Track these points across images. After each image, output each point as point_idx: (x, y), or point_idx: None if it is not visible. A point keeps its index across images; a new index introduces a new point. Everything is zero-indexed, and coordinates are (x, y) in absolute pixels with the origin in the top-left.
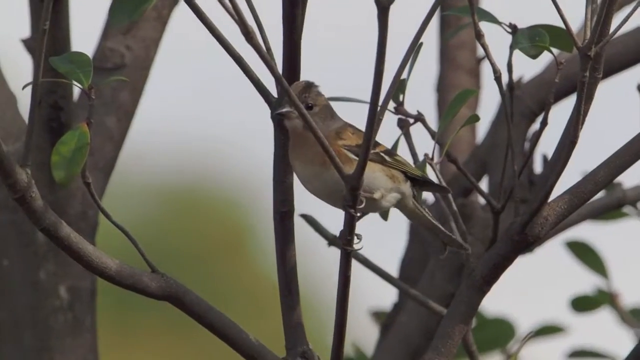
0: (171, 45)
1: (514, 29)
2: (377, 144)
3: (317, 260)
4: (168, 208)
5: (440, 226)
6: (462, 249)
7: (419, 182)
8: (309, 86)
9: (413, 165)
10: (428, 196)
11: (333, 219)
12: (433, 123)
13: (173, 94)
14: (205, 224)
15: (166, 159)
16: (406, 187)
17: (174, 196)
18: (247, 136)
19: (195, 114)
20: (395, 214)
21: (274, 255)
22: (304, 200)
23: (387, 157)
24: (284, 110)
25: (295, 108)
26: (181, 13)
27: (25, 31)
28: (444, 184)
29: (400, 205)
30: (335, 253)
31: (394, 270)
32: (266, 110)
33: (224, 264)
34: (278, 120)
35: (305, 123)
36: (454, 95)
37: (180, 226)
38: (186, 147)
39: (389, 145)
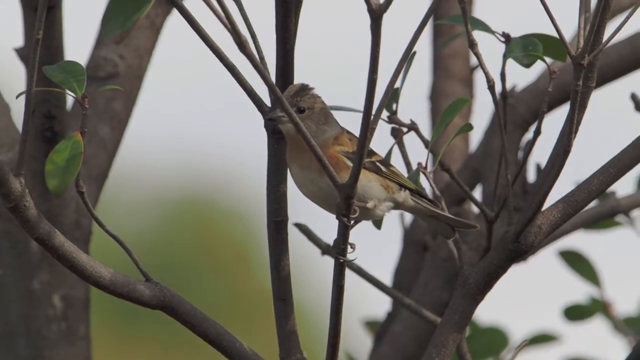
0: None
1: (507, 38)
2: (373, 153)
3: (311, 269)
4: (171, 219)
5: (443, 212)
6: (471, 228)
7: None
8: (303, 89)
9: (406, 176)
10: None
11: (327, 227)
12: (426, 132)
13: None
14: (207, 236)
15: (169, 170)
16: (400, 195)
17: (177, 208)
18: (248, 147)
19: (198, 126)
20: (388, 223)
21: None
22: (298, 209)
23: (382, 167)
24: (275, 115)
25: (285, 113)
26: (174, 22)
27: (19, 40)
28: (437, 192)
29: (400, 207)
30: (329, 262)
31: (387, 279)
32: (260, 120)
33: (226, 275)
34: (272, 126)
35: (296, 128)
36: (447, 104)
37: (182, 238)
38: (189, 158)
39: (383, 155)
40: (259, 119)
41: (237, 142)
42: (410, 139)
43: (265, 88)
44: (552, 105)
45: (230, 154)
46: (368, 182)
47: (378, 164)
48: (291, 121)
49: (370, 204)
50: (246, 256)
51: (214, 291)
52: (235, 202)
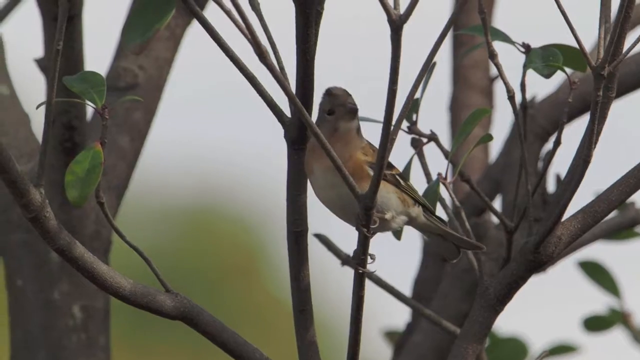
0: (185, 64)
1: (527, 49)
2: (392, 166)
3: (330, 279)
4: (180, 229)
5: (452, 231)
6: (477, 249)
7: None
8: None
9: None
10: (441, 215)
11: (346, 238)
12: (446, 142)
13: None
14: (217, 246)
15: (179, 180)
16: (414, 210)
17: (186, 218)
18: (259, 157)
19: (208, 136)
20: (408, 233)
21: (286, 276)
22: (318, 219)
23: (401, 181)
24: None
25: (305, 122)
26: (194, 32)
27: (39, 51)
28: (457, 203)
29: (411, 223)
30: (348, 272)
31: (407, 290)
32: (279, 130)
33: (235, 285)
34: (291, 139)
35: (315, 137)
36: (467, 114)
37: (192, 247)
38: (199, 169)
39: (401, 165)
40: (273, 129)
41: (247, 151)
42: (430, 149)
43: (285, 98)
44: (572, 115)
45: (239, 163)
46: (387, 193)
47: (397, 177)
48: (312, 132)
49: (388, 215)
50: (256, 266)
51: (225, 300)
52: (245, 211)
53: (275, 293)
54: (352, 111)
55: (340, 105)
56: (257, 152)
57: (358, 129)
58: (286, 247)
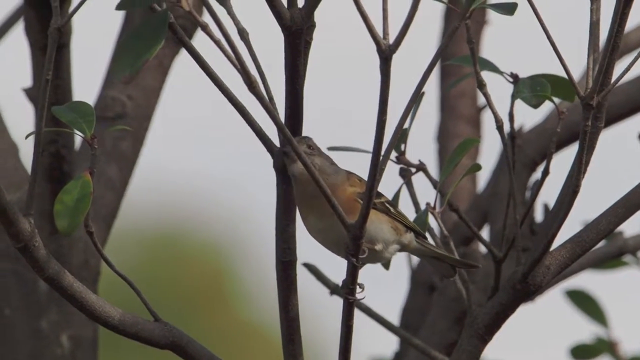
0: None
1: (515, 79)
2: (380, 195)
3: (319, 309)
4: (150, 255)
5: (446, 253)
6: (473, 267)
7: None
8: (305, 138)
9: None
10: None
11: (335, 267)
12: (434, 172)
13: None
14: (187, 272)
15: (150, 206)
16: (406, 237)
17: (156, 244)
18: (231, 183)
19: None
20: (396, 262)
21: (255, 301)
22: (306, 248)
23: (391, 208)
24: (287, 149)
25: (295, 152)
26: (182, 62)
27: (27, 80)
28: (445, 232)
29: (404, 249)
30: (337, 302)
31: (395, 319)
32: (254, 159)
33: (206, 311)
34: (282, 164)
35: (306, 168)
36: (455, 144)
37: (162, 274)
38: (169, 195)
39: (390, 195)
40: (243, 156)
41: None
42: (418, 179)
43: (274, 128)
44: (560, 145)
45: (211, 190)
46: (380, 223)
47: (387, 204)
48: (301, 161)
49: (378, 247)
50: (226, 291)
51: (196, 326)
52: (215, 237)
53: (246, 318)
54: (282, 154)
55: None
56: (229, 180)
57: (327, 165)
58: (259, 273)
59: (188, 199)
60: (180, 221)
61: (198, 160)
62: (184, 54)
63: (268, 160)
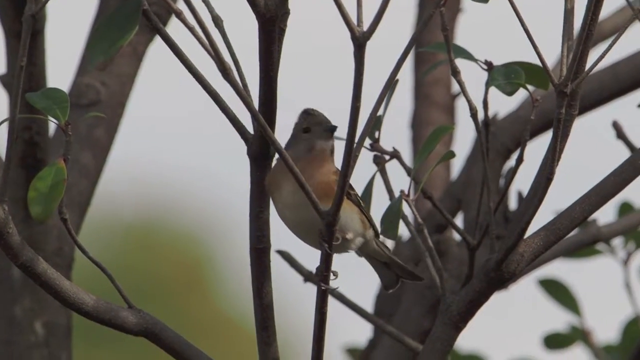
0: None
1: (489, 66)
2: (351, 187)
3: (293, 296)
4: (126, 244)
5: (397, 260)
6: (417, 280)
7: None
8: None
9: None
10: (404, 232)
11: (309, 255)
12: (408, 159)
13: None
14: (162, 260)
15: (126, 195)
16: (369, 233)
17: (132, 232)
18: (207, 172)
19: (155, 149)
20: None
21: (234, 290)
22: (280, 235)
23: (361, 202)
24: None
25: (270, 141)
26: (157, 49)
27: (1, 67)
28: (419, 220)
29: (364, 246)
30: (311, 289)
31: (369, 306)
32: (230, 147)
33: (182, 300)
34: (253, 155)
35: (280, 155)
36: (429, 131)
37: (138, 263)
38: (146, 184)
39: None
40: (220, 144)
41: (196, 167)
42: (392, 166)
43: (248, 115)
44: (534, 133)
45: (187, 179)
46: (351, 213)
47: (358, 198)
48: (274, 148)
49: (349, 235)
50: (204, 280)
51: (172, 315)
52: (192, 226)
53: (222, 307)
54: (329, 130)
55: (317, 124)
56: (206, 168)
57: (332, 151)
58: (236, 262)
59: (166, 189)
60: (158, 210)
61: (176, 149)
62: (158, 41)
63: (243, 147)
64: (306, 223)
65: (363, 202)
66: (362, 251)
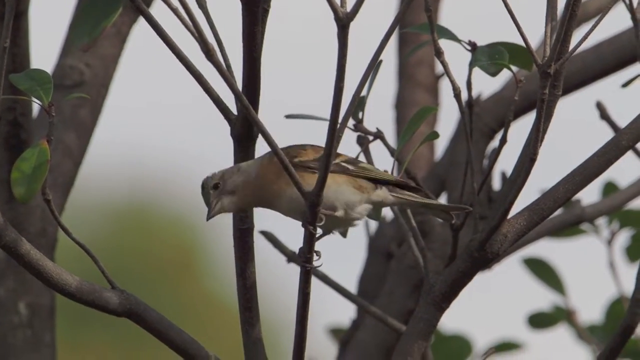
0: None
1: (473, 47)
2: (338, 154)
3: (276, 277)
4: (116, 226)
5: (431, 201)
6: (463, 211)
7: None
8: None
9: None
10: (387, 212)
11: (292, 235)
12: (392, 140)
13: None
14: (153, 243)
15: (115, 177)
16: (378, 194)
17: (122, 215)
18: (198, 155)
19: (145, 132)
20: (354, 230)
21: (224, 273)
22: (263, 216)
23: (350, 167)
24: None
25: (254, 123)
26: (141, 30)
27: None
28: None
29: (380, 205)
30: (294, 269)
31: (352, 287)
32: (219, 129)
33: (172, 282)
34: (237, 136)
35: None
36: (413, 112)
37: (128, 244)
38: (136, 166)
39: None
40: (212, 129)
41: (185, 149)
42: (376, 147)
43: (232, 96)
44: (518, 113)
45: (177, 160)
46: (338, 186)
47: (344, 164)
48: (257, 128)
49: (339, 212)
50: (193, 262)
51: (161, 297)
52: (182, 208)
53: (213, 289)
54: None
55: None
56: (196, 150)
57: (235, 171)
58: (226, 244)
59: (157, 171)
60: (150, 192)
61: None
62: (142, 22)
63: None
64: (296, 210)
65: (355, 165)
66: (386, 206)
